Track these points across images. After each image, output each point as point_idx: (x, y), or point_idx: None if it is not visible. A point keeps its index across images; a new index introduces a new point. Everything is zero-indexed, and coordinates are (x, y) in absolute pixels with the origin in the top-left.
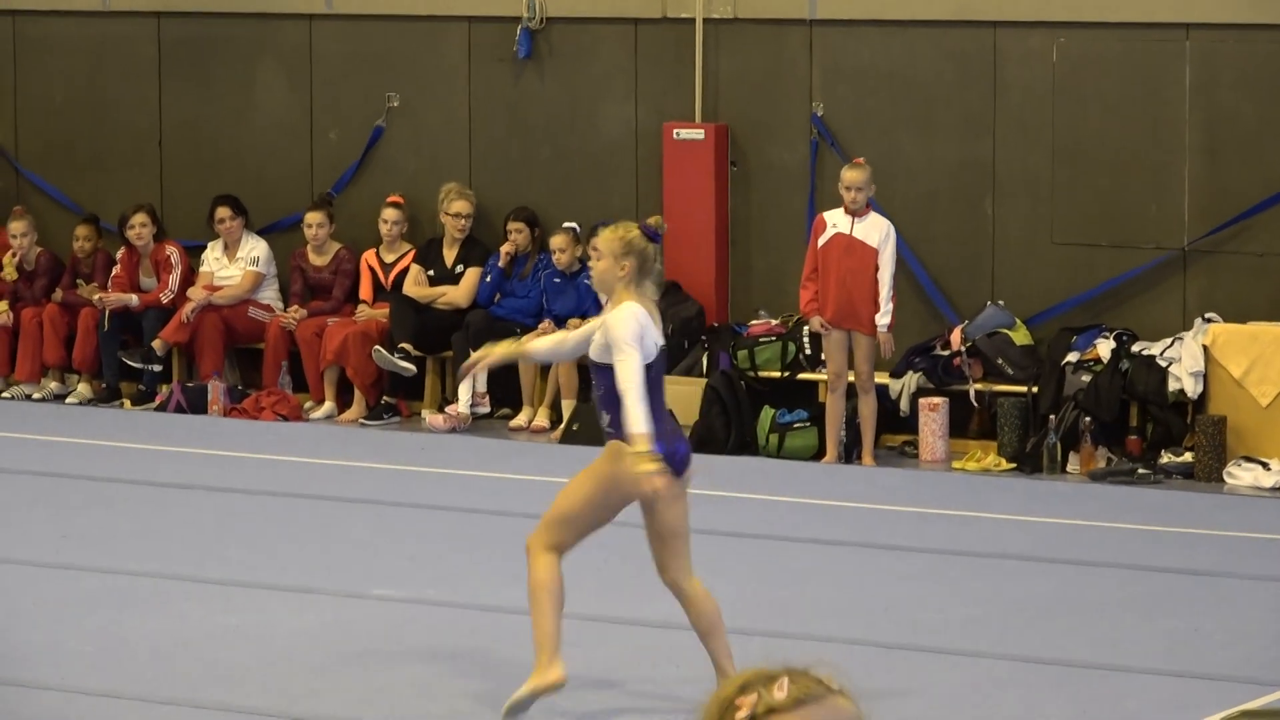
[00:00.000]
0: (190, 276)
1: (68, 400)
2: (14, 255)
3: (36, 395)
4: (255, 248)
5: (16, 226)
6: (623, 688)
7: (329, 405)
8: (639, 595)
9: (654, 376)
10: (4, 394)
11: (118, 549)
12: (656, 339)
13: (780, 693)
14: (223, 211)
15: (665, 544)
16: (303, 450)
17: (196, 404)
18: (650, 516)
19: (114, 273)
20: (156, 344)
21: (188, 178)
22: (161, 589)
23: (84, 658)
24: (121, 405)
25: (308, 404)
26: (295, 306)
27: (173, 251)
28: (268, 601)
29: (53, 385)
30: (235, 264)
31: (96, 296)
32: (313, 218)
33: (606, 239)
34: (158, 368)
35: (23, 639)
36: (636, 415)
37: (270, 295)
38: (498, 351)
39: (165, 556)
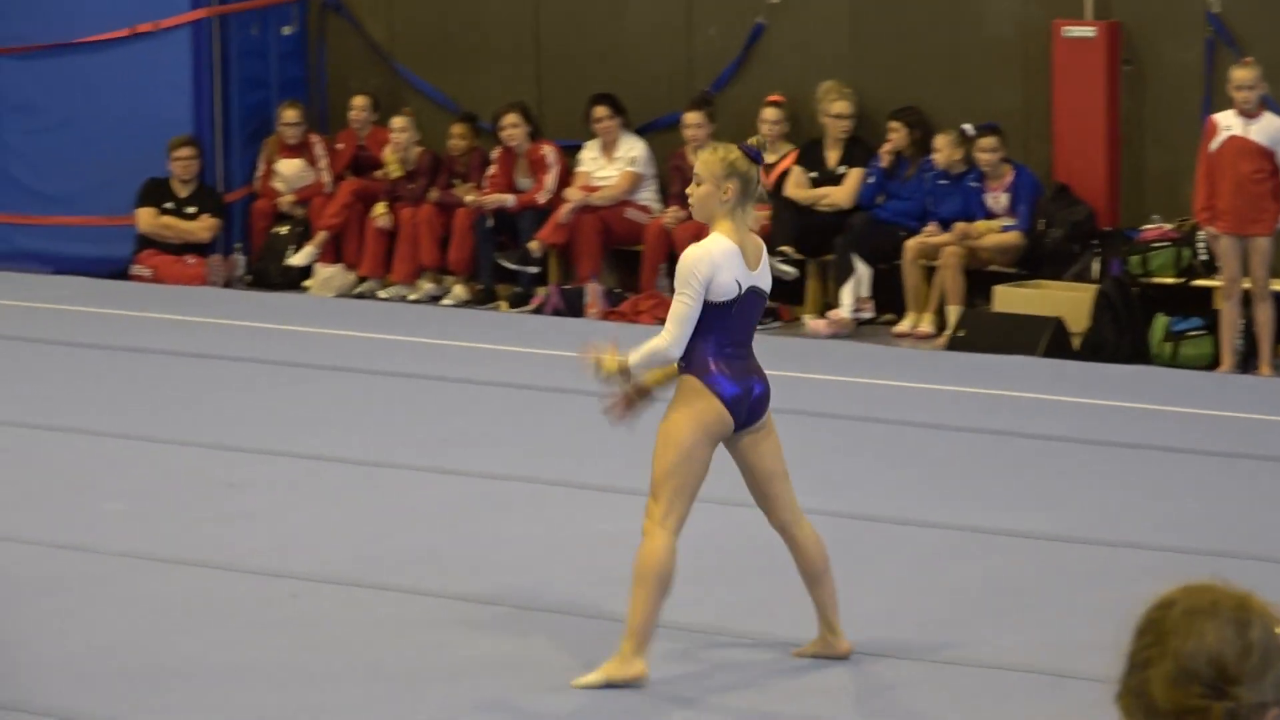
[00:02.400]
0: (567, 176)
1: (443, 302)
2: (394, 150)
3: (412, 297)
4: (633, 147)
5: (397, 123)
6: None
7: None
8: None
9: (736, 312)
10: (380, 295)
11: (495, 453)
12: (741, 275)
13: None
14: (600, 110)
15: (762, 486)
16: None
17: (573, 306)
18: (743, 461)
19: (490, 173)
20: (533, 245)
21: (565, 75)
22: (538, 494)
23: (462, 562)
24: (497, 307)
25: None
26: (674, 207)
27: (549, 151)
28: (642, 509)
29: (428, 287)
30: (613, 164)
31: (470, 197)
32: (691, 117)
33: (706, 161)
34: (534, 270)
35: (400, 544)
36: (651, 346)
37: (649, 196)
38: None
39: (543, 461)
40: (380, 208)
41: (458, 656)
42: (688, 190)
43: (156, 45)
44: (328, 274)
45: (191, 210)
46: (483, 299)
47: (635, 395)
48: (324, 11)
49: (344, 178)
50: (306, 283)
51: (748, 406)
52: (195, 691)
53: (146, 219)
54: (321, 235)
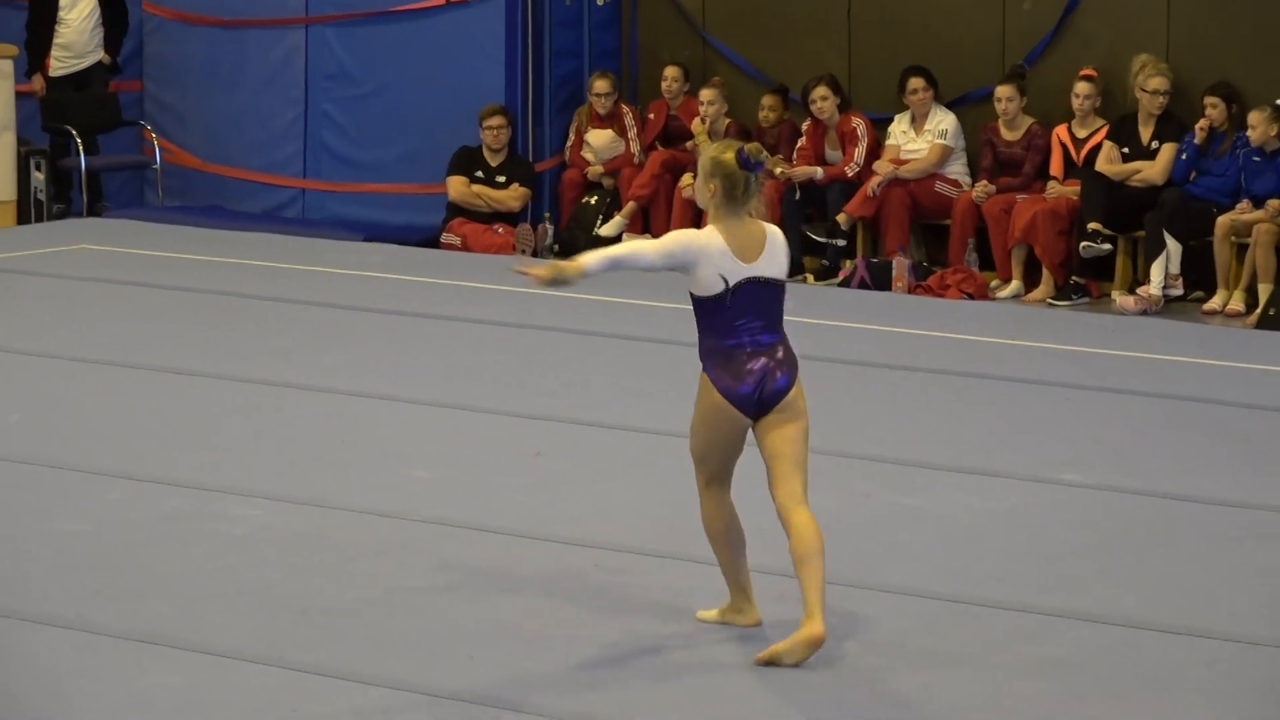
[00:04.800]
0: (876, 149)
1: None
2: (704, 121)
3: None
4: (944, 121)
5: (706, 95)
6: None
7: (1016, 284)
8: None
9: (733, 306)
10: None
11: None
12: (728, 270)
13: None
14: (915, 82)
15: (769, 464)
16: (988, 330)
17: (880, 280)
18: (758, 440)
19: (799, 145)
20: (841, 218)
21: (876, 48)
22: (840, 468)
23: (764, 535)
24: (804, 280)
25: (994, 282)
26: (984, 182)
27: (859, 124)
28: (949, 484)
29: None
30: (923, 137)
31: (779, 169)
32: (1003, 91)
33: (702, 156)
34: (841, 242)
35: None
36: (594, 255)
37: (958, 170)
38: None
39: (844, 435)
40: (688, 178)
41: (762, 629)
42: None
43: (470, 15)
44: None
45: (502, 179)
46: (790, 272)
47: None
48: None
49: (654, 148)
50: None
51: (759, 400)
52: (501, 658)
53: (457, 187)
54: (630, 205)
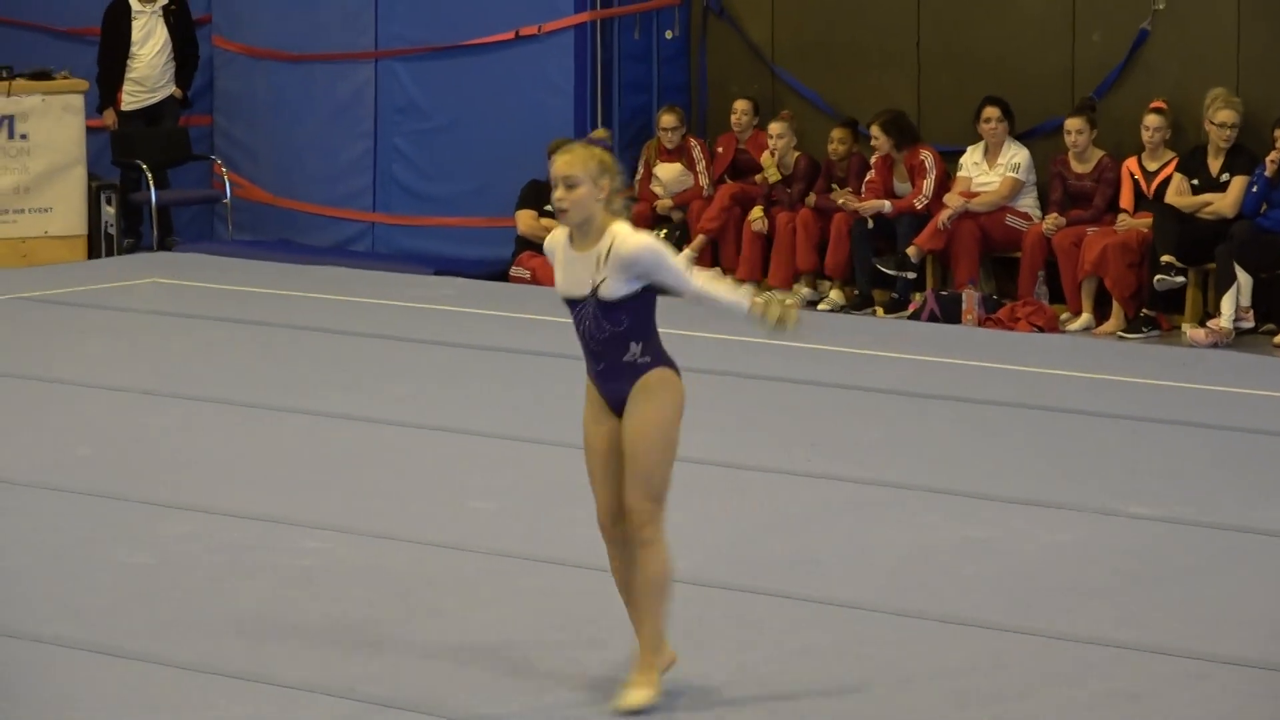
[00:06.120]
0: (945, 182)
1: (819, 307)
2: (773, 154)
3: (787, 301)
4: (1016, 154)
5: (775, 128)
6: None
7: (1086, 317)
8: None
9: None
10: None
11: (864, 458)
12: None
13: None
14: (990, 111)
15: (625, 463)
16: (1058, 362)
17: (950, 313)
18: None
19: (868, 178)
20: (911, 251)
21: (945, 80)
22: (907, 500)
23: (826, 567)
24: (874, 313)
25: (1064, 315)
26: (1054, 214)
27: (927, 156)
28: (1015, 516)
29: (804, 291)
30: (995, 170)
31: (842, 200)
32: (1073, 124)
33: (577, 160)
34: (911, 275)
35: (770, 547)
36: (727, 290)
37: (1028, 203)
38: None
39: (912, 467)
40: (756, 212)
41: (828, 661)
42: (557, 196)
43: (539, 49)
44: (705, 277)
45: None
46: (859, 304)
47: None
48: (706, 15)
49: (723, 181)
50: None
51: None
52: (571, 689)
53: (526, 221)
54: (699, 239)
